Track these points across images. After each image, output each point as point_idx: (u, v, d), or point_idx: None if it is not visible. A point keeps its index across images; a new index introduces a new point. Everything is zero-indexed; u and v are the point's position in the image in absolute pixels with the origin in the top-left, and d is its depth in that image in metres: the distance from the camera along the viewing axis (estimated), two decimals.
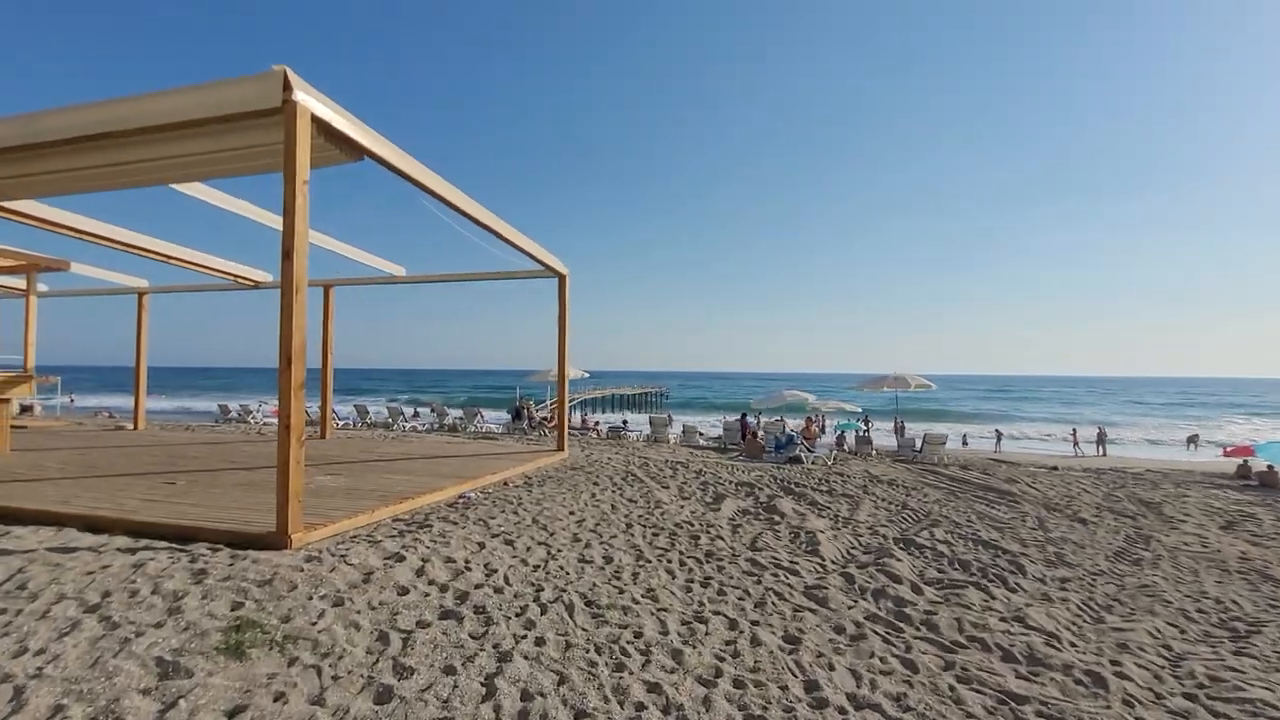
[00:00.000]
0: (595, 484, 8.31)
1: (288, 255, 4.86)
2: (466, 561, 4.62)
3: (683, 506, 7.28)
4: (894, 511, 7.69)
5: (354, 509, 5.74)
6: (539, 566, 4.69)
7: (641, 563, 4.98)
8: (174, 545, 4.65)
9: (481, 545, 5.03)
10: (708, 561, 5.13)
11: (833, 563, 5.39)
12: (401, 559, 4.47)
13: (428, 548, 4.83)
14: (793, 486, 9.04)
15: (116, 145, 5.78)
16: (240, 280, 11.80)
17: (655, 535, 5.87)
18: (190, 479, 7.23)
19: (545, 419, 19.69)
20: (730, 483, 9.14)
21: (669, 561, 5.08)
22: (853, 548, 5.92)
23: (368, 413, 22.16)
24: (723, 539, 5.88)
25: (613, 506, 6.98)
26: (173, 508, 5.67)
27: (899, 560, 5.41)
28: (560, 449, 10.39)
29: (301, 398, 4.92)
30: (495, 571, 4.46)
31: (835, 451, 13.86)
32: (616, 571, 4.73)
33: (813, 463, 12.66)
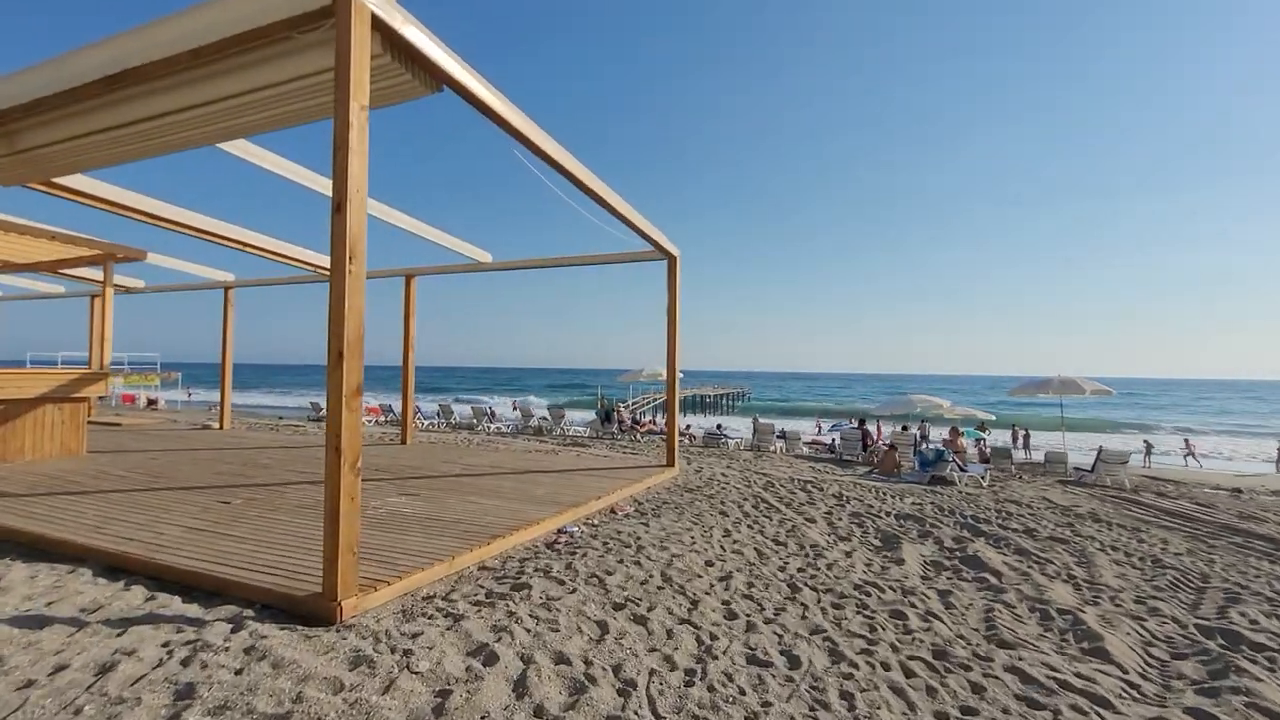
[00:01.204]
0: (723, 513, 6.62)
1: (339, 208, 3.48)
2: (586, 660, 3.05)
3: (849, 554, 5.45)
4: (1147, 571, 5.51)
5: (430, 553, 4.34)
6: (693, 674, 3.04)
7: (845, 669, 3.22)
8: (192, 606, 3.37)
9: (603, 628, 3.45)
10: (947, 671, 3.30)
11: (1145, 679, 3.42)
12: (493, 657, 2.95)
13: (528, 630, 3.30)
14: (973, 522, 6.97)
15: (156, 93, 4.67)
16: (322, 271, 11.00)
17: (837, 608, 4.10)
18: (252, 494, 6.15)
19: (637, 423, 18.21)
20: (888, 514, 7.19)
21: (884, 665, 3.30)
22: (1148, 643, 3.90)
23: (452, 413, 21.52)
24: (939, 618, 4.02)
25: (759, 553, 5.25)
26: (214, 541, 4.48)
27: (1259, 680, 3.37)
28: (669, 464, 8.77)
29: (357, 408, 3.52)
30: (632, 686, 2.85)
31: (990, 470, 11.48)
32: (815, 688, 3.00)
33: (965, 484, 10.41)
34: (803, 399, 79.51)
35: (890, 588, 4.56)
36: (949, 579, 4.92)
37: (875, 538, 6.09)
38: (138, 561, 4.10)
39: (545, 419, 20.74)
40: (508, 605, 3.64)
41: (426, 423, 21.14)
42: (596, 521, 5.94)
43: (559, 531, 5.42)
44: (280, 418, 19.93)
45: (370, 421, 20.00)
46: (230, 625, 3.20)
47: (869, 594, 4.38)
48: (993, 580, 4.90)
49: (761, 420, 17.20)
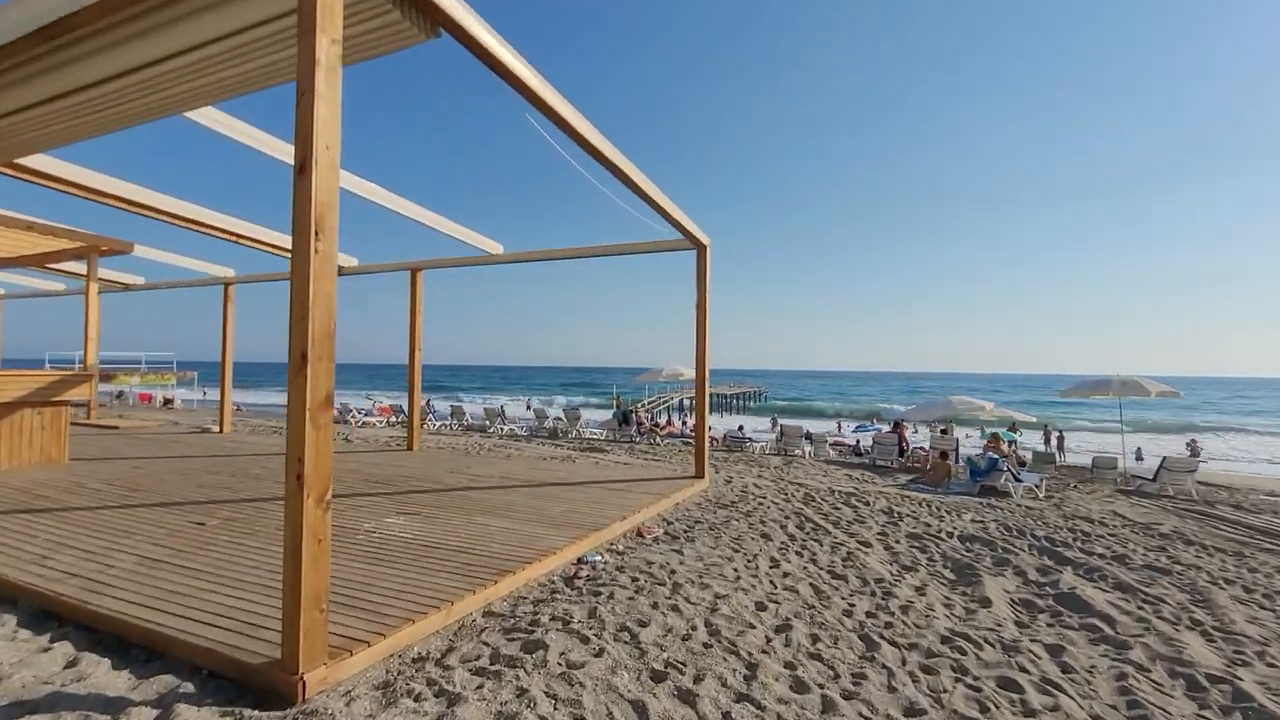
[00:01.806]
0: (765, 536, 5.80)
1: (303, 168, 2.71)
2: None
3: (921, 590, 4.61)
4: None
5: (424, 596, 3.57)
6: None
7: None
8: (120, 676, 2.63)
9: (641, 713, 2.65)
10: None
11: None
12: None
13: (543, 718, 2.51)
14: (1050, 545, 6.08)
15: (104, 50, 3.95)
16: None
17: (929, 672, 3.26)
18: (233, 512, 5.44)
19: (657, 425, 17.40)
20: (950, 535, 6.33)
21: None
22: None
23: (464, 414, 20.87)
24: (1060, 689, 3.17)
25: (816, 590, 4.43)
26: (169, 577, 3.75)
27: None
28: (698, 475, 7.96)
29: (326, 423, 2.77)
30: None
31: (1044, 480, 10.52)
32: None
33: (1021, 496, 9.48)
34: (819, 398, 78.10)
35: (986, 640, 3.71)
36: (1051, 627, 4.06)
37: (945, 567, 5.23)
38: (70, 606, 3.38)
39: (560, 420, 20.03)
40: (517, 676, 2.85)
41: (439, 424, 20.53)
42: (622, 548, 5.15)
43: (579, 562, 4.63)
44: (279, 429, 19.26)
45: (381, 423, 19.41)
46: (156, 711, 2.45)
47: (963, 651, 3.53)
48: (1105, 629, 4.03)
49: (786, 423, 16.33)
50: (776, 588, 4.41)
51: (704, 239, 7.70)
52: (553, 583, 4.23)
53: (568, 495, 6.63)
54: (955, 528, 6.67)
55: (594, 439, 17.21)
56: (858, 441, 23.60)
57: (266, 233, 9.37)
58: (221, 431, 11.99)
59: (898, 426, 15.34)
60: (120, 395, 40.33)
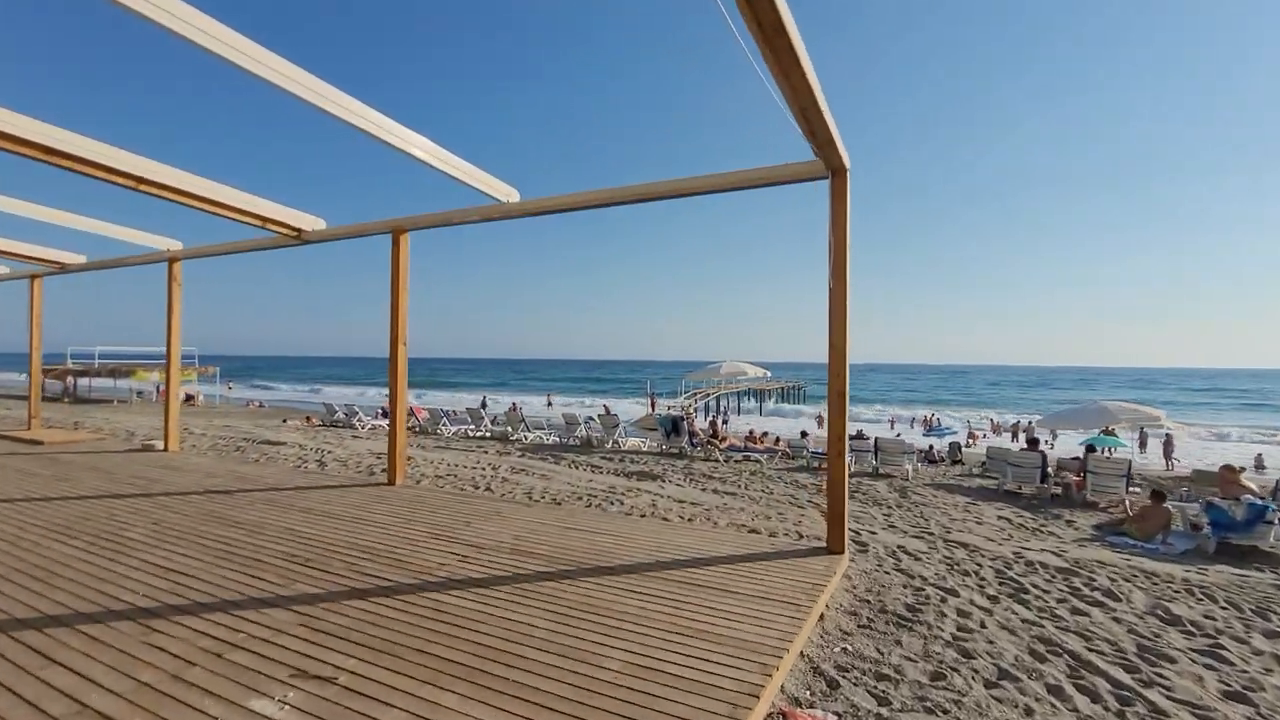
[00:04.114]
0: (1027, 715, 2.74)
1: None
2: None
3: None
4: None
5: None
6: None
7: None
8: None
9: None
10: None
11: None
12: None
13: None
14: None
15: None
16: (282, 230, 7.55)
17: None
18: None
19: (714, 438, 14.30)
20: None
21: None
22: None
23: (483, 418, 18.09)
24: None
25: None
26: None
27: None
28: (834, 546, 4.89)
29: None
30: None
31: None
32: None
33: None
34: (862, 391, 73.80)
35: None
36: None
37: None
38: None
39: (592, 423, 17.06)
40: None
41: (454, 429, 17.82)
42: None
43: None
44: (242, 444, 16.92)
45: (383, 429, 16.69)
46: None
47: None
48: None
49: (888, 440, 13.15)
50: None
51: (844, 159, 4.63)
52: None
53: (621, 604, 3.64)
54: None
55: (636, 451, 14.25)
56: (930, 447, 20.30)
57: (223, 190, 6.65)
58: (167, 449, 9.35)
59: (1033, 442, 11.99)
60: (140, 393, 39.06)
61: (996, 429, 36.94)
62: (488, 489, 8.05)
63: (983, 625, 3.95)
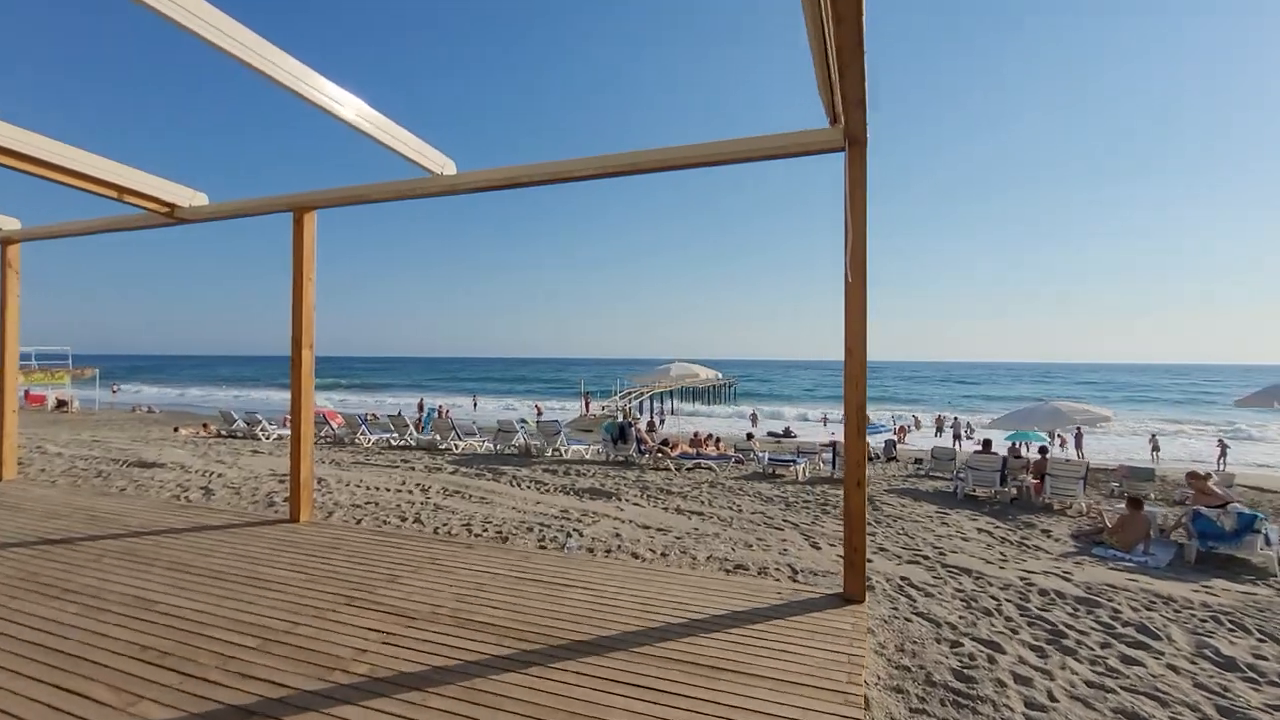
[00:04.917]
0: None
1: None
2: None
3: None
4: None
5: None
6: None
7: None
8: None
9: None
10: None
11: None
12: None
13: None
14: None
15: None
16: (150, 206, 6.01)
17: None
18: None
19: (665, 443, 13.38)
20: None
21: None
22: None
23: (407, 426, 16.44)
24: None
25: None
26: None
27: None
28: (851, 593, 4.10)
29: None
30: None
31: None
32: None
33: None
34: (780, 390, 75.37)
35: None
36: None
37: None
38: None
39: (526, 427, 15.85)
40: None
41: (373, 438, 16.09)
42: None
43: None
44: (176, 428, 14.78)
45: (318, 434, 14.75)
46: None
47: None
48: None
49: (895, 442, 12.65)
50: None
51: (867, 127, 3.83)
52: None
53: (612, 708, 2.67)
54: None
55: (581, 461, 13.17)
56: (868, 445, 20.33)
57: (72, 154, 5.07)
58: (1, 478, 7.46)
59: (1012, 446, 11.85)
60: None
61: (917, 424, 38.40)
62: (417, 520, 6.79)
63: (1052, 698, 3.23)
